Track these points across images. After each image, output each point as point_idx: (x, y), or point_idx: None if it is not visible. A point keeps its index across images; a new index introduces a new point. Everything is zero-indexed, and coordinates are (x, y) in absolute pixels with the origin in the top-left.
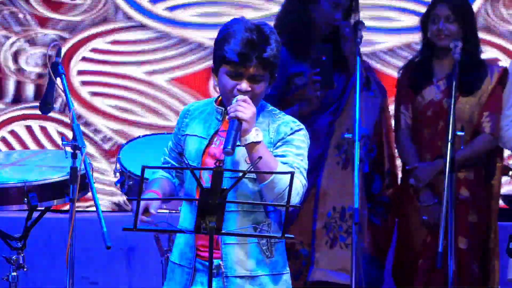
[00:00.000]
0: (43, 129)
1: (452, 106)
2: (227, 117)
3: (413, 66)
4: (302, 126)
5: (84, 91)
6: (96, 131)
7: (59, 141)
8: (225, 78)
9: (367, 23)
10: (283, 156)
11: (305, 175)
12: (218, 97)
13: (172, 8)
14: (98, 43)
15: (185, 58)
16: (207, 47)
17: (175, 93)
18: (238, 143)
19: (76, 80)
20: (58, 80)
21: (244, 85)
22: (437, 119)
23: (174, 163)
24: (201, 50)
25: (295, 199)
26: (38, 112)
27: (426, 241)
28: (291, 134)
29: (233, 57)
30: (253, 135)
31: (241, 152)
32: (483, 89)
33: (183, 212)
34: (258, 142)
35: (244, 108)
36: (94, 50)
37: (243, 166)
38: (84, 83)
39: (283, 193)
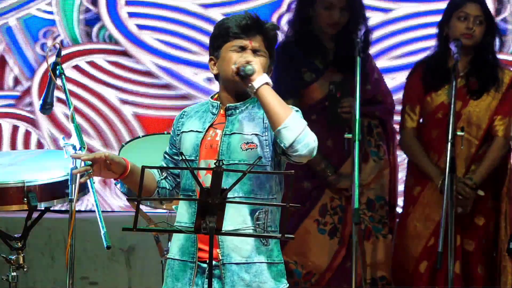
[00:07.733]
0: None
1: (452, 106)
2: (234, 74)
3: (427, 66)
4: (297, 108)
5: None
6: None
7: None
8: (229, 53)
9: None
10: None
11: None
12: (214, 95)
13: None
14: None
15: None
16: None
17: None
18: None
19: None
20: (58, 81)
21: (249, 55)
22: (446, 121)
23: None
24: None
25: (312, 152)
26: None
27: (428, 244)
28: None
29: (237, 30)
30: (265, 77)
31: (236, 139)
32: (494, 93)
33: (180, 209)
34: (269, 84)
35: (253, 60)
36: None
37: (239, 153)
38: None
39: (297, 139)
